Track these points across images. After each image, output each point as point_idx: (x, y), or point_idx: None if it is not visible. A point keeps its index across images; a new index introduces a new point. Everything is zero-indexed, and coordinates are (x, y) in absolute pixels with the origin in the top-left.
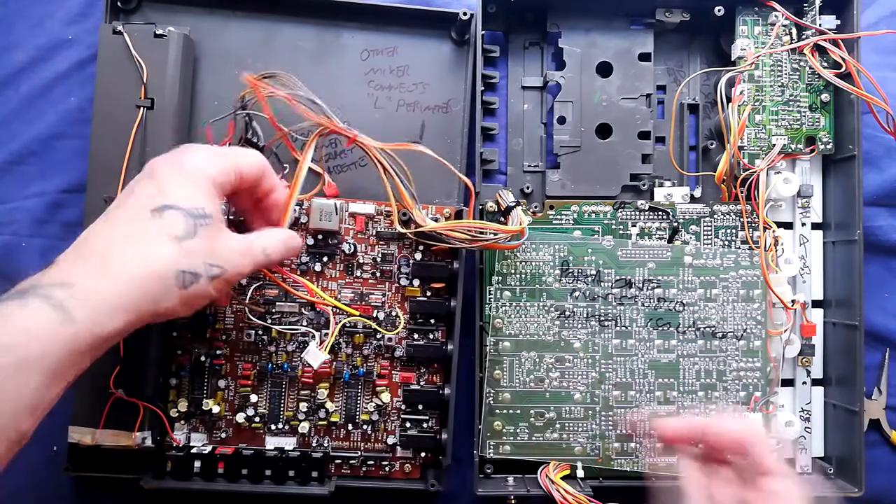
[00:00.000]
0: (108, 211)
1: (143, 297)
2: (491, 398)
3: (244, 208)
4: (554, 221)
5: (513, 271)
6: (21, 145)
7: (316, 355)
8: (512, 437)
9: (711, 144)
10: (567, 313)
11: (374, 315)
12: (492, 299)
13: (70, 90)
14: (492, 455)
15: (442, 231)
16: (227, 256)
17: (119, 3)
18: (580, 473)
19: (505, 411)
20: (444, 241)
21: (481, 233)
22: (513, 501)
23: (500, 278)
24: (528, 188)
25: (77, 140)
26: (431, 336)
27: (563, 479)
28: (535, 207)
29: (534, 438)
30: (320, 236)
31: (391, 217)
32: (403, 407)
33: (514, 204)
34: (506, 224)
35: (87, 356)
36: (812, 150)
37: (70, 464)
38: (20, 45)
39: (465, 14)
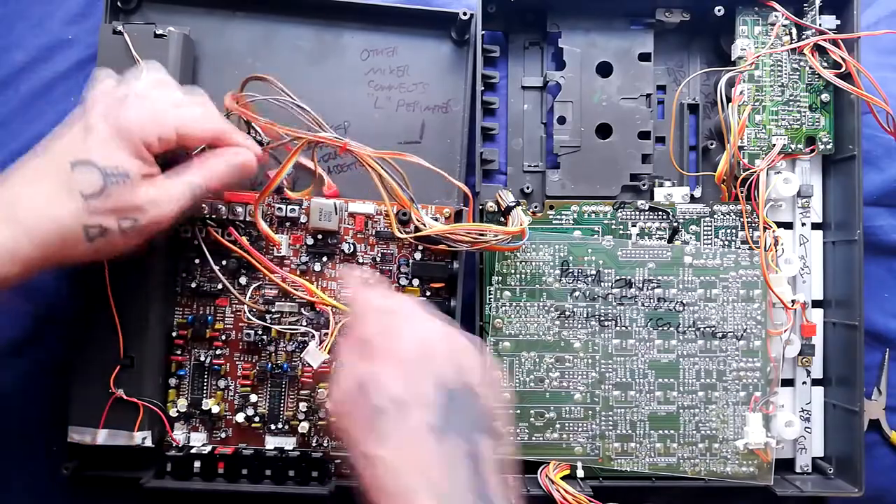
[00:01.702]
0: (37, 152)
1: (45, 248)
2: None
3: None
4: (554, 221)
5: (513, 271)
6: (21, 145)
7: (316, 355)
8: (512, 437)
9: (711, 144)
10: (567, 313)
11: None
12: (492, 299)
13: (70, 90)
14: None
15: (442, 234)
16: (141, 208)
17: (119, 4)
18: (580, 473)
19: (505, 411)
20: (444, 243)
21: (482, 235)
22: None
23: (500, 278)
24: (528, 188)
25: None
26: None
27: (563, 479)
28: (535, 207)
29: (534, 438)
30: (320, 236)
31: (389, 219)
32: None
33: (514, 204)
34: (506, 224)
35: None
36: (812, 150)
37: (70, 463)
38: (20, 45)
39: (464, 14)
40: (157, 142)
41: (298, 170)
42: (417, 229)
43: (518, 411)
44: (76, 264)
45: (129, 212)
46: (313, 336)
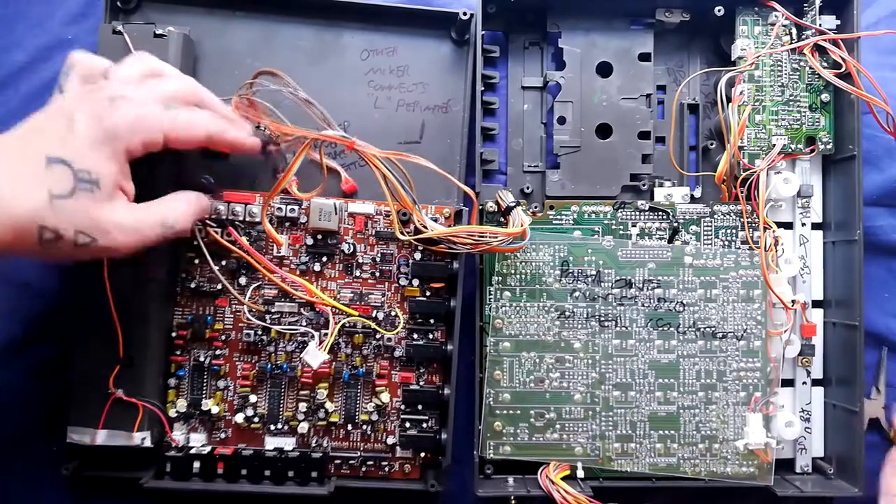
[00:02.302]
0: (11, 135)
1: None
2: (491, 398)
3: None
4: (554, 221)
5: (513, 271)
6: None
7: (315, 355)
8: (512, 438)
9: (711, 144)
10: (567, 313)
11: (374, 315)
12: (492, 299)
13: None
14: (492, 455)
15: (444, 236)
16: (104, 228)
17: (119, 3)
18: (580, 474)
19: (505, 412)
20: (445, 245)
21: (483, 237)
22: (513, 502)
23: (500, 278)
24: (528, 188)
25: None
26: (431, 336)
27: (563, 479)
28: (535, 207)
29: (534, 439)
30: (319, 236)
31: (391, 218)
32: (403, 407)
33: (514, 204)
34: (506, 224)
35: None
36: (812, 150)
37: (69, 464)
38: (20, 45)
39: (464, 14)
40: (142, 147)
41: (310, 165)
42: (418, 231)
43: (518, 411)
44: (9, 257)
45: (90, 229)
46: (313, 336)
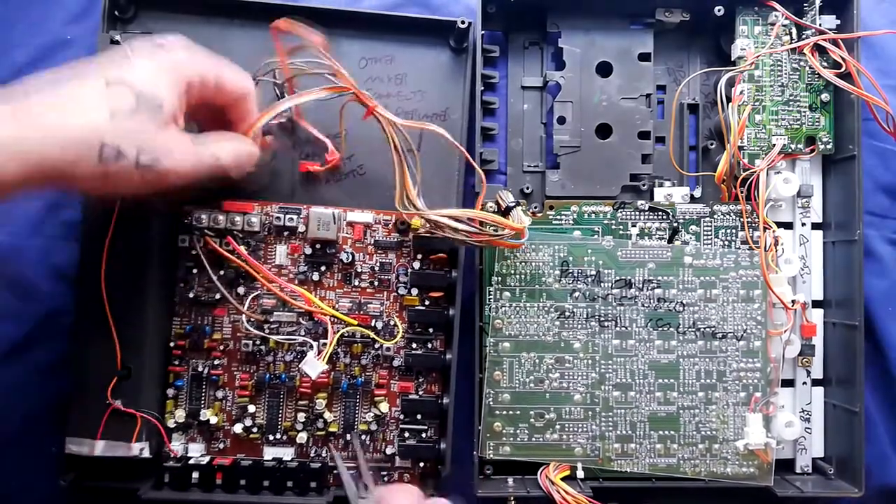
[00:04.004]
0: (70, 65)
1: (51, 155)
2: (491, 399)
3: (208, 118)
4: (554, 222)
5: (512, 272)
6: None
7: (314, 365)
8: (512, 438)
9: (711, 144)
10: (567, 314)
11: (373, 324)
12: (491, 300)
13: None
14: (492, 456)
15: (442, 218)
16: (165, 148)
17: (117, 12)
18: (580, 474)
19: (505, 412)
20: (444, 233)
21: (482, 225)
22: (513, 502)
23: (500, 279)
24: (528, 188)
25: None
26: (430, 345)
27: (563, 479)
28: (535, 207)
29: (534, 439)
30: (318, 245)
31: (389, 227)
32: (402, 417)
33: (514, 204)
34: None
35: None
36: (812, 150)
37: (68, 475)
38: (20, 45)
39: (462, 22)
40: (199, 84)
41: (311, 144)
42: (416, 230)
43: (518, 412)
44: (76, 188)
45: (152, 149)
46: (311, 346)
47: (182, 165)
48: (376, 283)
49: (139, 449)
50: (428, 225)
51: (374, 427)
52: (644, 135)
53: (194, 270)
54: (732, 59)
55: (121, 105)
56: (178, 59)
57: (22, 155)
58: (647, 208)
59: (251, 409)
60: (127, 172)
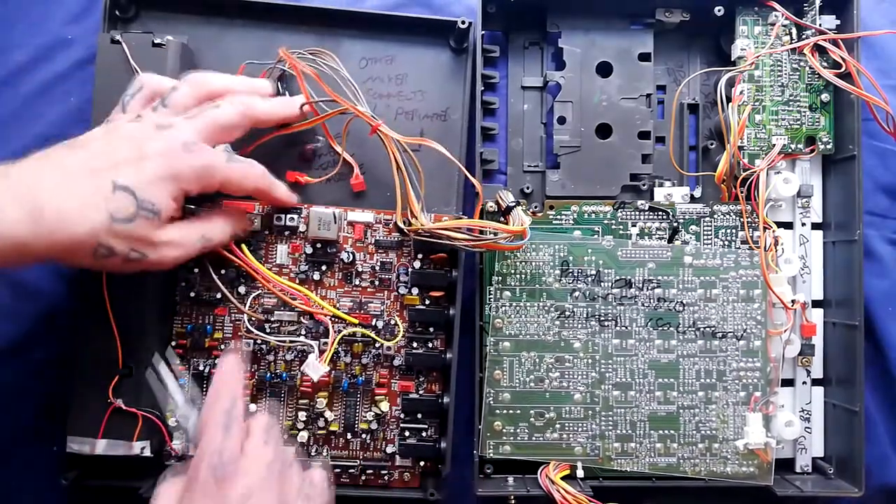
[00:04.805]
0: (85, 153)
1: (52, 248)
2: (491, 398)
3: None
4: (554, 221)
5: (513, 271)
6: (21, 145)
7: (316, 368)
8: (512, 438)
9: (711, 144)
10: (567, 313)
11: (373, 324)
12: (492, 299)
13: (70, 90)
14: (492, 455)
15: (442, 230)
16: (155, 246)
17: (117, 12)
18: (580, 473)
19: (505, 411)
20: (444, 241)
21: (482, 232)
22: (513, 502)
23: (500, 278)
24: (528, 188)
25: None
26: (430, 345)
27: (563, 479)
28: (535, 207)
29: (534, 438)
30: (319, 245)
31: (395, 213)
32: (402, 416)
33: (514, 204)
34: (506, 225)
35: None
36: (812, 150)
37: (69, 473)
38: (20, 45)
39: (463, 22)
40: (199, 190)
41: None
42: (420, 235)
43: (518, 411)
44: (60, 266)
45: (144, 246)
46: (312, 349)
47: (168, 257)
48: (377, 283)
49: (140, 448)
50: (427, 235)
51: (374, 426)
52: (644, 135)
53: (195, 270)
54: (732, 59)
55: (121, 212)
56: (182, 170)
57: (30, 253)
58: (647, 208)
59: (252, 408)
60: (118, 263)
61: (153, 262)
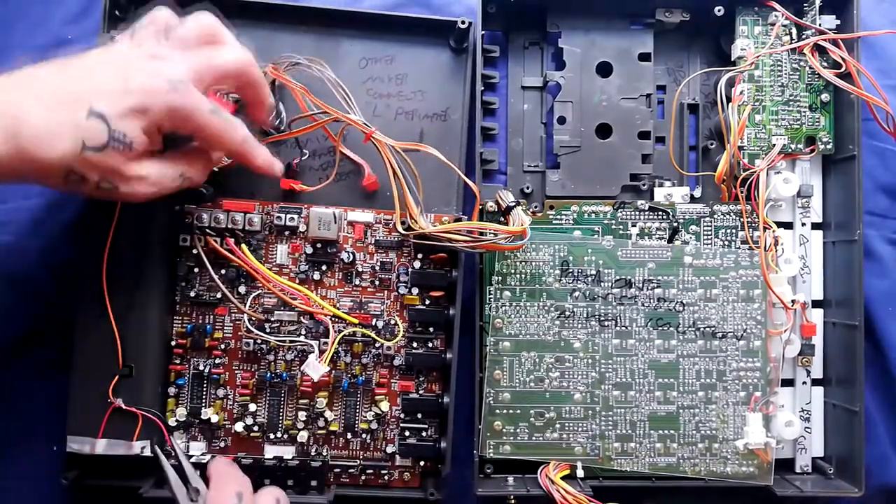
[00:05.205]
0: (70, 71)
1: (22, 166)
2: (491, 398)
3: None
4: (554, 221)
5: (513, 271)
6: None
7: (316, 368)
8: (512, 437)
9: (711, 144)
10: (567, 313)
11: (373, 324)
12: (492, 299)
13: None
14: (492, 455)
15: (442, 233)
16: (127, 179)
17: (117, 12)
18: (580, 473)
19: (505, 411)
20: (444, 243)
21: (482, 234)
22: (513, 501)
23: (500, 278)
24: (528, 188)
25: None
26: (430, 344)
27: (563, 478)
28: (535, 207)
29: (534, 438)
30: (319, 245)
31: (394, 216)
32: (402, 415)
33: (514, 204)
34: (506, 224)
35: None
36: (812, 150)
37: (69, 473)
38: (20, 46)
39: (463, 22)
40: (172, 130)
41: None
42: (419, 236)
43: (518, 411)
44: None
45: (114, 177)
46: (312, 348)
47: (141, 192)
48: (377, 283)
49: (140, 447)
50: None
51: (374, 426)
52: (644, 135)
53: (195, 269)
54: (732, 59)
55: (92, 140)
56: (163, 109)
57: (5, 170)
58: (647, 208)
59: (252, 407)
60: (88, 190)
61: (124, 194)
